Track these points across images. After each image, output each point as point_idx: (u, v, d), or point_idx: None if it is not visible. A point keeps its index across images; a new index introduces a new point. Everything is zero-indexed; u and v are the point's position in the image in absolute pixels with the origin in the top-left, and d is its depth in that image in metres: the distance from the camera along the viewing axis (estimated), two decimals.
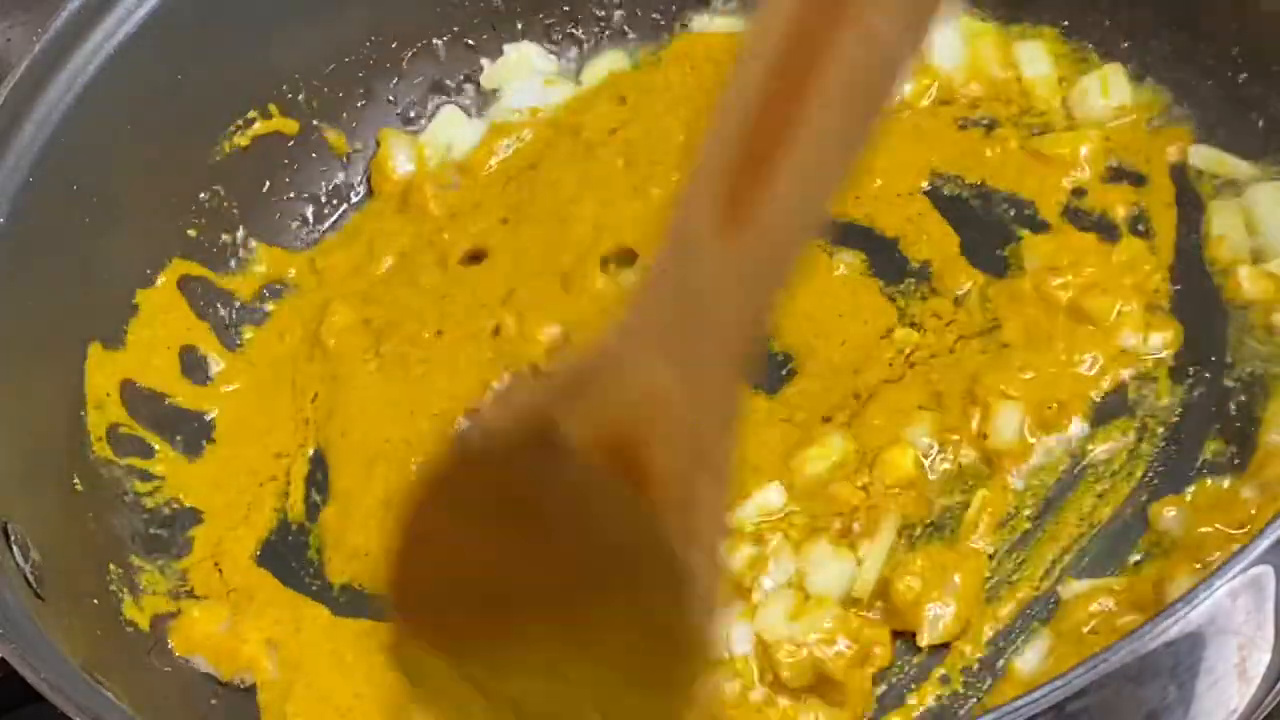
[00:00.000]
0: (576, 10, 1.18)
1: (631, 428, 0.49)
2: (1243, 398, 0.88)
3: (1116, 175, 1.00)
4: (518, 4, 1.17)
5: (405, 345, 1.04)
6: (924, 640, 0.83)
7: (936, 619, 0.84)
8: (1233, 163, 0.97)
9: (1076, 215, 0.99)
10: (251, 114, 1.10)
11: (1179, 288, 0.94)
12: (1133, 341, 0.91)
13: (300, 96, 1.13)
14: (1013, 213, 1.00)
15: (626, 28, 1.18)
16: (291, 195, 1.14)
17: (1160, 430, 0.89)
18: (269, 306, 1.10)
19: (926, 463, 0.89)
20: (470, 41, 1.18)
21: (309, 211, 1.15)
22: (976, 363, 0.93)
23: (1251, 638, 0.65)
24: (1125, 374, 0.90)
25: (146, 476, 1.01)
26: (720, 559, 0.52)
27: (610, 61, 1.17)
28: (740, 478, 0.83)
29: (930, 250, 1.00)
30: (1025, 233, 0.98)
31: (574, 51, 1.18)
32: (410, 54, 1.16)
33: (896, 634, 0.85)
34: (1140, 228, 0.97)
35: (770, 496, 0.90)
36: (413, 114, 1.17)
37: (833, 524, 0.88)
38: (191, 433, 1.04)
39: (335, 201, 1.16)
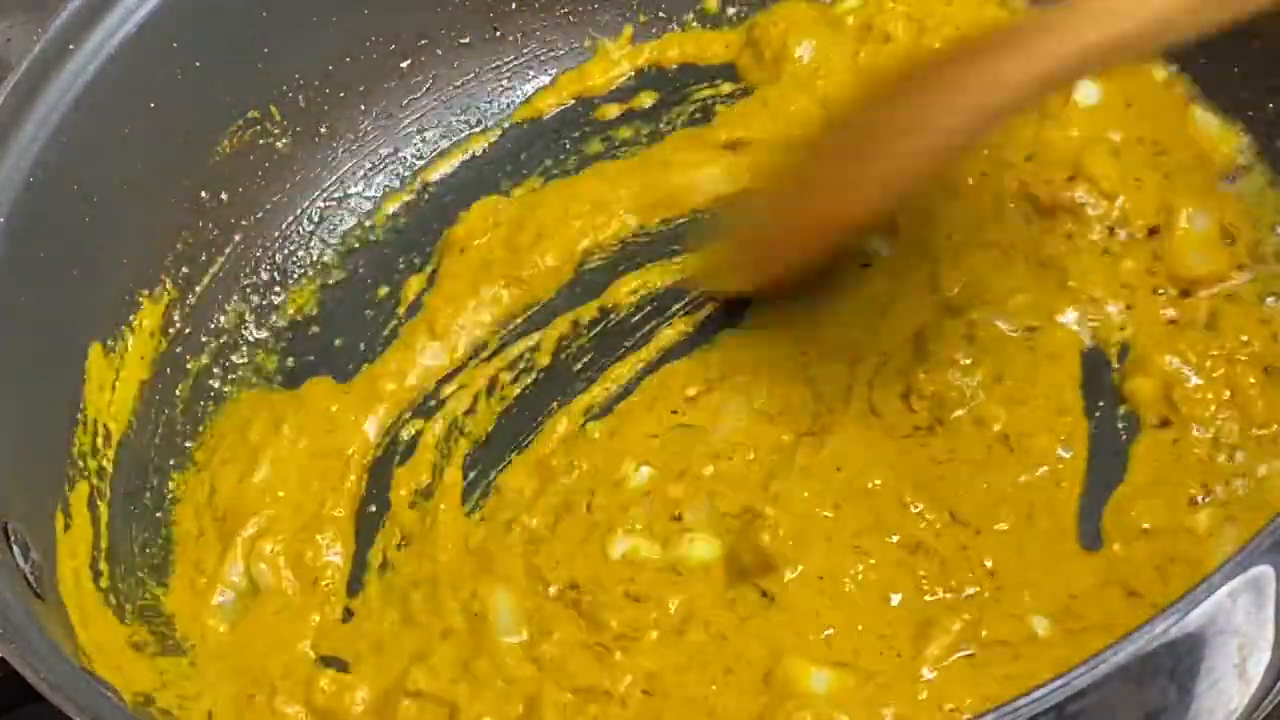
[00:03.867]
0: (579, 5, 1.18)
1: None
2: None
3: None
4: (520, 5, 1.17)
5: None
6: None
7: None
8: None
9: None
10: (252, 114, 1.10)
11: None
12: None
13: (301, 98, 1.13)
14: None
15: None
16: (293, 197, 1.15)
17: None
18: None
19: None
20: (472, 44, 1.18)
21: (312, 214, 1.15)
22: None
23: (1251, 638, 0.65)
24: None
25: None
26: None
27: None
28: None
29: None
30: None
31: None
32: (412, 56, 1.16)
33: None
34: None
35: None
36: (412, 116, 1.17)
37: None
38: None
39: (337, 203, 1.16)
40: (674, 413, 0.97)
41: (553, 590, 0.91)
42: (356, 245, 1.15)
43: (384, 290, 1.12)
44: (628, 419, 0.98)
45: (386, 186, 1.17)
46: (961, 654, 0.82)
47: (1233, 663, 0.65)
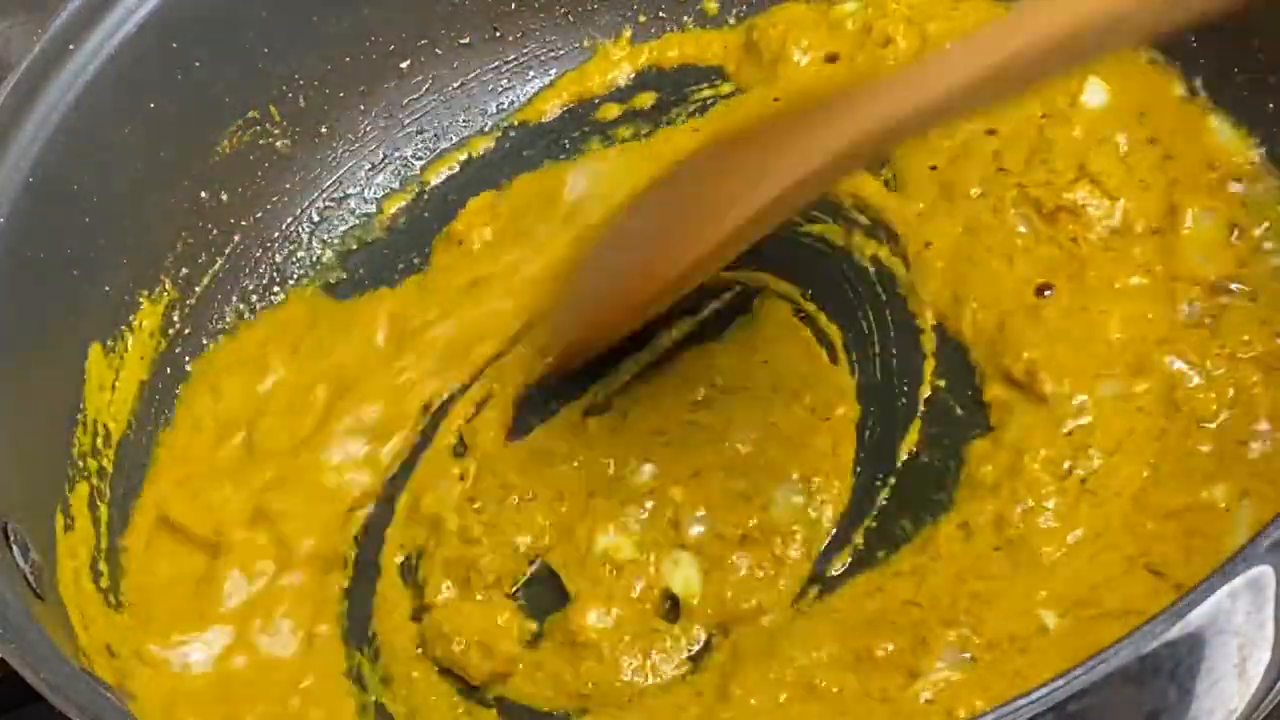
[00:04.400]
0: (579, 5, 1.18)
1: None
2: None
3: None
4: (520, 6, 1.17)
5: None
6: None
7: None
8: None
9: None
10: (252, 114, 1.10)
11: None
12: None
13: (301, 98, 1.13)
14: None
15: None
16: (293, 197, 1.14)
17: None
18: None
19: None
20: (472, 44, 1.18)
21: (312, 214, 1.15)
22: None
23: (1251, 637, 0.65)
24: None
25: None
26: None
27: None
28: None
29: None
30: None
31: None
32: (412, 56, 1.16)
33: None
34: None
35: None
36: (412, 117, 1.17)
37: None
38: None
39: (337, 203, 1.16)
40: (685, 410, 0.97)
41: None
42: (356, 245, 1.15)
43: (384, 290, 1.12)
44: (631, 414, 0.98)
45: (386, 187, 1.17)
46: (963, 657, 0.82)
47: (1233, 663, 0.65)
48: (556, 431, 0.99)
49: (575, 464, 0.96)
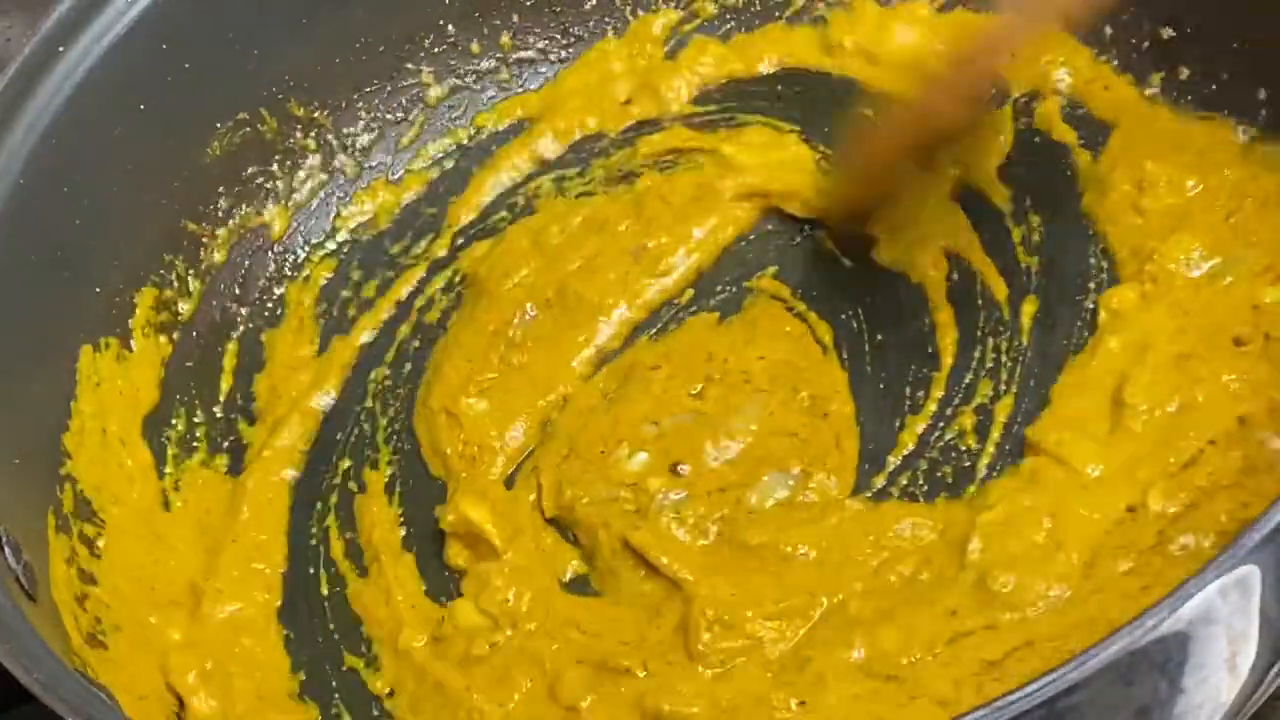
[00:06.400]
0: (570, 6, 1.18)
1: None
2: None
3: None
4: (511, 6, 1.17)
5: None
6: None
7: None
8: None
9: None
10: (242, 115, 1.10)
11: None
12: None
13: (291, 100, 1.13)
14: None
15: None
16: (285, 196, 1.15)
17: None
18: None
19: None
20: (464, 47, 1.18)
21: (305, 215, 1.15)
22: None
23: (1241, 633, 0.65)
24: None
25: None
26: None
27: None
28: None
29: None
30: None
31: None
32: (403, 57, 1.16)
33: None
34: None
35: None
36: (402, 116, 1.17)
37: None
38: None
39: (330, 203, 1.16)
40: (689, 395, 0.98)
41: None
42: (351, 248, 1.15)
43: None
44: (625, 399, 0.98)
45: (380, 188, 1.17)
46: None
47: (1223, 658, 0.65)
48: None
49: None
